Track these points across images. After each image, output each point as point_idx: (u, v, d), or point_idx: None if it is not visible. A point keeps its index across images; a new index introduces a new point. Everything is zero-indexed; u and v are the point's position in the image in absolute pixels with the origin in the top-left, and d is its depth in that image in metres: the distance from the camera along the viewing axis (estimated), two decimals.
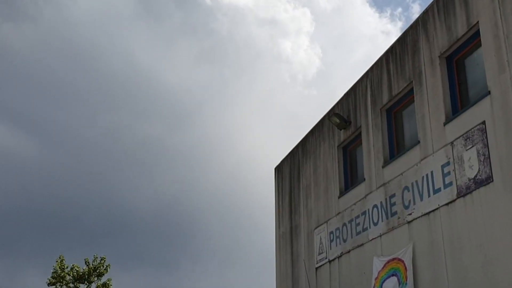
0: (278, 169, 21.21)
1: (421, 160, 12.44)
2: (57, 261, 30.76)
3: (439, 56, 12.29)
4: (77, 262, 31.35)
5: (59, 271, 30.42)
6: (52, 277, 30.54)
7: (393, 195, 13.35)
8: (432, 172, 12.03)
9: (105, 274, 31.47)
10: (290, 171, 19.89)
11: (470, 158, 10.96)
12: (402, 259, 12.55)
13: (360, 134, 15.31)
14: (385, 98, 14.18)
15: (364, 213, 14.51)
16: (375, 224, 13.98)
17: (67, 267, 30.88)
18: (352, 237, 15.03)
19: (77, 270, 30.68)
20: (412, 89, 13.21)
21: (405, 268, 12.36)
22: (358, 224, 14.75)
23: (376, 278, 13.25)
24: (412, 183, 12.66)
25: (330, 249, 16.11)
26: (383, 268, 13.15)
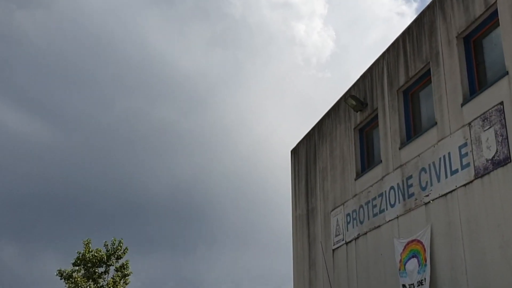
0: (294, 152, 21.25)
1: (438, 141, 12.41)
2: (85, 244, 31.29)
3: (456, 37, 12.20)
4: (94, 246, 31.85)
5: (86, 254, 30.98)
6: (77, 258, 31.09)
7: (410, 177, 13.35)
8: (449, 153, 12.00)
9: (123, 257, 31.96)
10: (306, 154, 19.93)
11: (487, 139, 10.92)
12: (421, 240, 12.58)
13: (376, 116, 15.27)
14: (402, 79, 14.12)
15: (381, 195, 14.53)
16: (392, 205, 14.00)
17: (92, 251, 31.41)
18: (369, 219, 15.08)
19: (96, 255, 31.20)
20: (429, 70, 13.14)
21: (424, 249, 12.39)
22: (375, 206, 14.78)
23: (400, 261, 13.31)
24: (429, 165, 12.64)
25: (347, 231, 16.18)
26: (403, 250, 13.19)
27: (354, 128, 16.37)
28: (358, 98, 15.88)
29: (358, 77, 16.53)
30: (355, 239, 15.70)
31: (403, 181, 13.60)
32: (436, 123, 12.60)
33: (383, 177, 14.49)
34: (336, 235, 16.79)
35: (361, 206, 15.48)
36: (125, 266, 31.70)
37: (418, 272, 12.46)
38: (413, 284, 12.61)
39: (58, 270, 31.12)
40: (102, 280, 31.45)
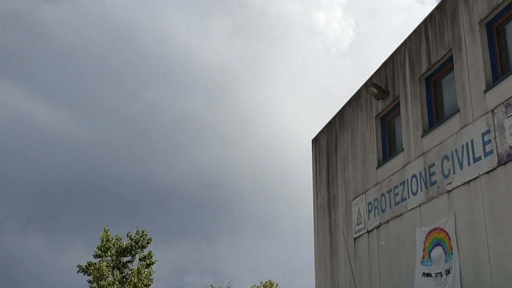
0: (315, 141, 21.23)
1: (461, 128, 12.30)
2: (102, 233, 31.74)
3: (479, 23, 12.05)
4: (120, 236, 32.28)
5: (105, 242, 31.42)
6: (99, 249, 31.54)
7: (432, 165, 13.27)
8: (472, 141, 11.90)
9: (147, 247, 32.36)
10: (327, 143, 19.90)
11: (511, 126, 10.80)
12: (444, 228, 12.51)
13: (398, 104, 15.19)
14: (424, 66, 14.01)
15: (402, 183, 14.47)
16: (414, 194, 13.94)
17: (112, 239, 31.85)
18: (390, 207, 15.03)
19: (120, 245, 31.62)
20: (451, 57, 13.01)
21: (449, 238, 12.32)
22: (397, 194, 14.72)
23: (423, 249, 13.26)
24: (451, 152, 12.55)
25: (369, 219, 16.15)
26: (426, 238, 13.14)
27: (376, 117, 16.30)
28: (379, 86, 15.80)
29: (379, 65, 16.46)
30: (377, 227, 15.67)
31: (425, 169, 13.53)
32: (458, 110, 12.49)
33: (405, 165, 14.42)
34: (358, 224, 16.77)
35: (383, 195, 15.44)
36: (149, 256, 32.10)
37: (445, 261, 12.40)
38: (440, 272, 12.56)
39: (78, 266, 31.50)
40: (127, 269, 31.91)
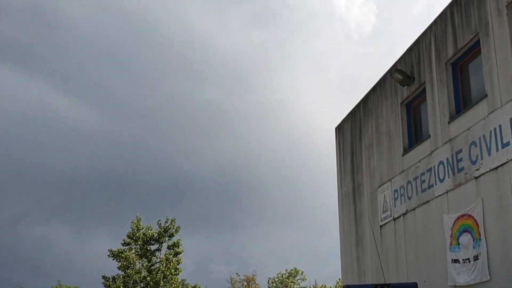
0: (339, 129, 21.12)
1: (489, 114, 12.12)
2: (133, 222, 32.11)
3: (506, 6, 11.82)
4: (144, 225, 32.60)
5: (135, 231, 31.75)
6: (128, 236, 31.91)
7: (459, 151, 13.10)
8: (500, 126, 11.72)
9: (175, 236, 32.64)
10: (351, 131, 19.78)
11: None
12: (472, 215, 12.38)
13: (424, 89, 15.00)
14: (450, 51, 13.80)
15: (429, 170, 14.32)
16: (441, 180, 13.80)
17: (142, 228, 32.18)
18: (417, 195, 14.91)
19: (147, 233, 31.94)
20: (478, 41, 12.80)
21: (477, 224, 12.19)
22: (423, 181, 14.59)
23: (450, 236, 13.13)
24: (479, 138, 12.37)
25: (395, 207, 16.04)
26: (454, 224, 13.01)
27: (401, 103, 16.13)
28: (404, 72, 15.62)
29: (403, 51, 16.26)
30: (403, 215, 15.56)
31: (452, 155, 13.37)
32: (486, 95, 12.30)
33: (432, 152, 14.27)
34: (384, 212, 16.68)
35: (409, 182, 15.31)
36: (177, 244, 32.38)
37: (474, 247, 12.28)
38: (468, 258, 12.44)
39: (109, 250, 32.03)
40: (155, 257, 32.25)
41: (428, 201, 14.34)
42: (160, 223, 32.65)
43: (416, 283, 11.46)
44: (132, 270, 31.33)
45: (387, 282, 11.79)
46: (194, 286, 34.67)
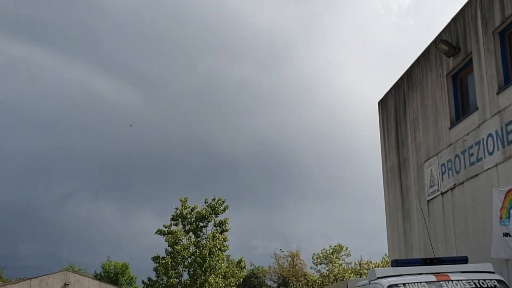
0: (382, 103, 20.83)
1: None
2: (181, 200, 32.75)
3: None
4: (191, 202, 33.19)
5: (183, 211, 32.44)
6: (173, 219, 32.62)
7: (509, 123, 12.76)
8: None
9: (222, 214, 33.14)
10: (395, 105, 19.48)
11: None
12: None
13: (471, 60, 14.62)
14: (498, 20, 13.37)
15: (478, 143, 14.02)
16: (490, 153, 13.49)
17: (189, 207, 32.83)
18: (465, 168, 14.63)
19: (199, 212, 32.55)
20: None
21: None
22: (472, 154, 14.29)
23: (501, 209, 12.88)
24: None
25: (442, 181, 15.80)
26: (505, 198, 12.75)
27: (447, 75, 15.77)
28: (450, 43, 15.23)
29: (444, 21, 15.87)
30: (451, 189, 15.32)
31: (501, 127, 13.04)
32: None
33: (480, 124, 13.95)
34: (431, 186, 16.45)
35: (457, 156, 15.03)
36: (224, 223, 32.89)
37: None
38: None
39: (158, 229, 32.76)
40: (202, 233, 32.90)
41: (477, 175, 14.07)
42: (207, 202, 33.16)
43: (466, 256, 11.30)
44: (180, 246, 31.97)
45: (436, 256, 11.65)
46: (239, 260, 35.10)
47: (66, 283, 56.57)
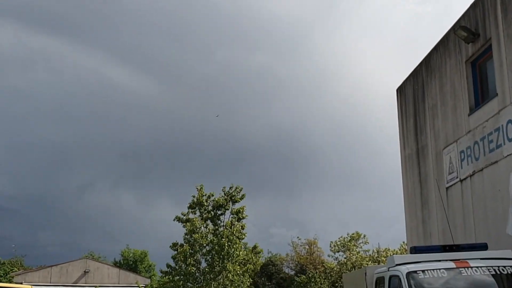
0: (400, 90, 20.72)
1: None
2: (197, 187, 33.02)
3: None
4: (208, 190, 33.41)
5: (200, 198, 32.71)
6: (190, 207, 32.87)
7: None
8: None
9: (239, 202, 33.31)
10: (413, 92, 19.37)
11: None
12: None
13: (490, 46, 14.48)
14: None
15: (497, 129, 13.92)
16: (510, 140, 13.40)
17: (205, 195, 33.07)
18: (484, 155, 14.55)
19: (216, 200, 32.77)
20: None
21: None
22: (491, 141, 14.21)
23: None
24: None
25: (461, 168, 15.73)
26: None
27: (466, 61, 15.65)
28: (469, 29, 15.10)
29: (462, 8, 15.71)
30: (470, 176, 15.25)
31: None
32: None
33: (500, 110, 13.84)
34: (450, 173, 16.39)
35: (476, 142, 14.95)
36: (241, 210, 33.06)
37: None
38: None
39: (176, 216, 33.07)
40: (219, 221, 33.14)
41: (496, 161, 13.99)
42: (225, 190, 33.33)
43: (486, 243, 11.29)
44: (198, 235, 32.20)
45: (455, 243, 11.64)
46: (254, 245, 35.26)
47: (86, 270, 57.31)
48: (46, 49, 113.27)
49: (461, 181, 15.75)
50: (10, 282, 45.37)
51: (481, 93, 15.31)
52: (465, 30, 15.07)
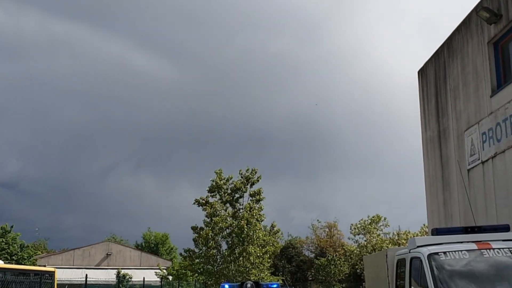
0: (422, 72, 20.59)
1: None
2: (216, 172, 33.33)
3: None
4: (225, 175, 33.66)
5: (218, 182, 33.04)
6: (210, 190, 33.22)
7: None
8: None
9: (256, 184, 33.56)
10: (435, 73, 19.24)
11: None
12: None
13: None
14: None
15: None
16: None
17: (224, 178, 33.38)
18: (506, 137, 14.46)
19: (234, 183, 33.05)
20: None
21: None
22: None
23: None
24: None
25: (483, 150, 15.65)
26: None
27: (488, 42, 15.50)
28: (491, 10, 14.93)
29: None
30: (492, 157, 15.18)
31: None
32: None
33: None
34: (471, 155, 16.32)
35: (498, 124, 14.85)
36: (258, 192, 33.32)
37: None
38: None
39: (195, 199, 33.43)
40: (238, 204, 33.44)
41: None
42: (241, 173, 33.55)
43: (508, 225, 11.26)
44: (218, 218, 32.51)
45: (477, 225, 11.63)
46: (272, 225, 35.38)
47: (108, 253, 58.19)
48: (69, 36, 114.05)
49: (482, 163, 15.68)
50: (34, 265, 46.21)
51: (503, 74, 15.17)
52: (488, 11, 14.91)
